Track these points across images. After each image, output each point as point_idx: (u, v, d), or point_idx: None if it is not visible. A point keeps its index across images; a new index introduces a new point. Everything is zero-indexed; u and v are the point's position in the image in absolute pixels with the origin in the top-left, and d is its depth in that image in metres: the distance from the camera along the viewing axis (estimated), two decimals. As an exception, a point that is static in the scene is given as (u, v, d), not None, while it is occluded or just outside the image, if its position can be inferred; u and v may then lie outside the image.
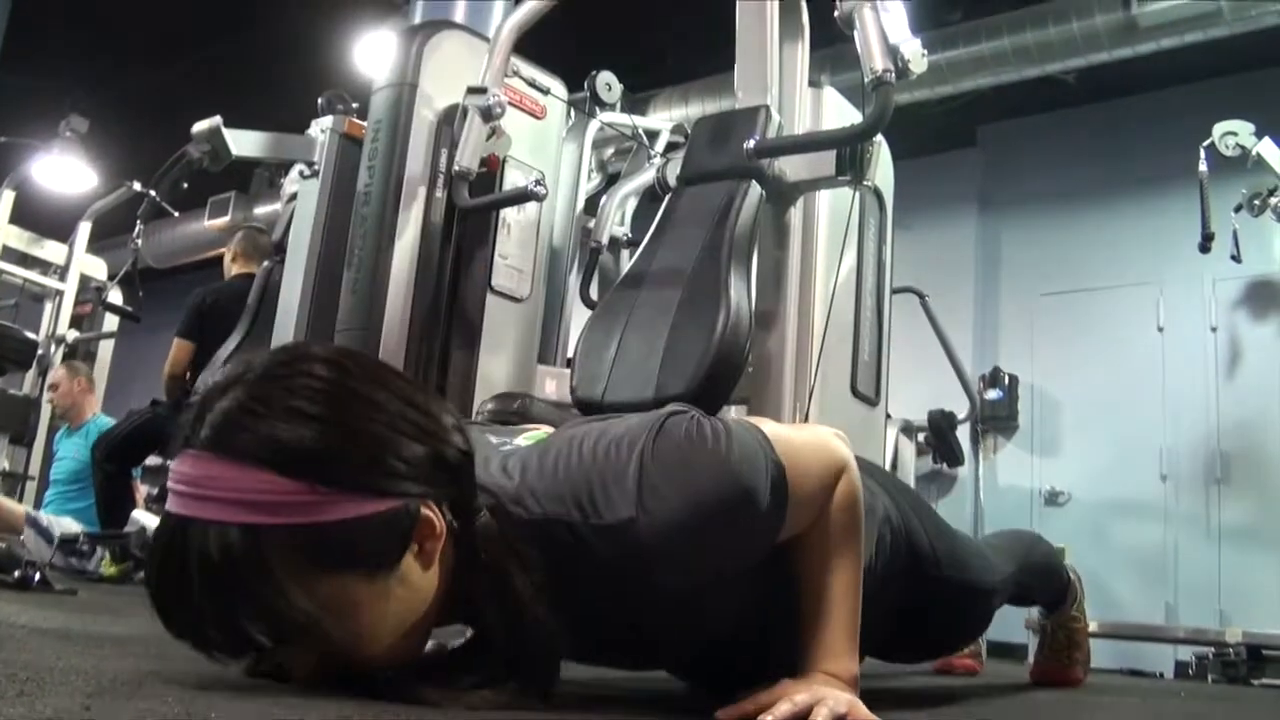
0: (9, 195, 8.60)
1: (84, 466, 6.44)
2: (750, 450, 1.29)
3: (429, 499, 1.20)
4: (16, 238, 8.66)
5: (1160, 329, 8.12)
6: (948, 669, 2.98)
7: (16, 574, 3.09)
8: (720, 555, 1.31)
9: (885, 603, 1.55)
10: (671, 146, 5.65)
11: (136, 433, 5.76)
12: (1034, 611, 2.89)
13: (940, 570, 1.88)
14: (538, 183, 4.00)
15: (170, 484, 1.14)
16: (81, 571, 5.34)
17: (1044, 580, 2.60)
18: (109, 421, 6.89)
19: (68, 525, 5.92)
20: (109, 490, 5.73)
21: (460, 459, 1.25)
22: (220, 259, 6.27)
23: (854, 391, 4.02)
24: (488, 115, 4.08)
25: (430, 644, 1.33)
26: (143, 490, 6.28)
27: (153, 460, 6.04)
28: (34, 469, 8.27)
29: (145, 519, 5.48)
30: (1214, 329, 7.91)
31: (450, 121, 4.33)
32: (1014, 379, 8.59)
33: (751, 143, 3.51)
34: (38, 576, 3.11)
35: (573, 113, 5.31)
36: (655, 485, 1.23)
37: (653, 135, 5.80)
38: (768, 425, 1.37)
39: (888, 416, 4.66)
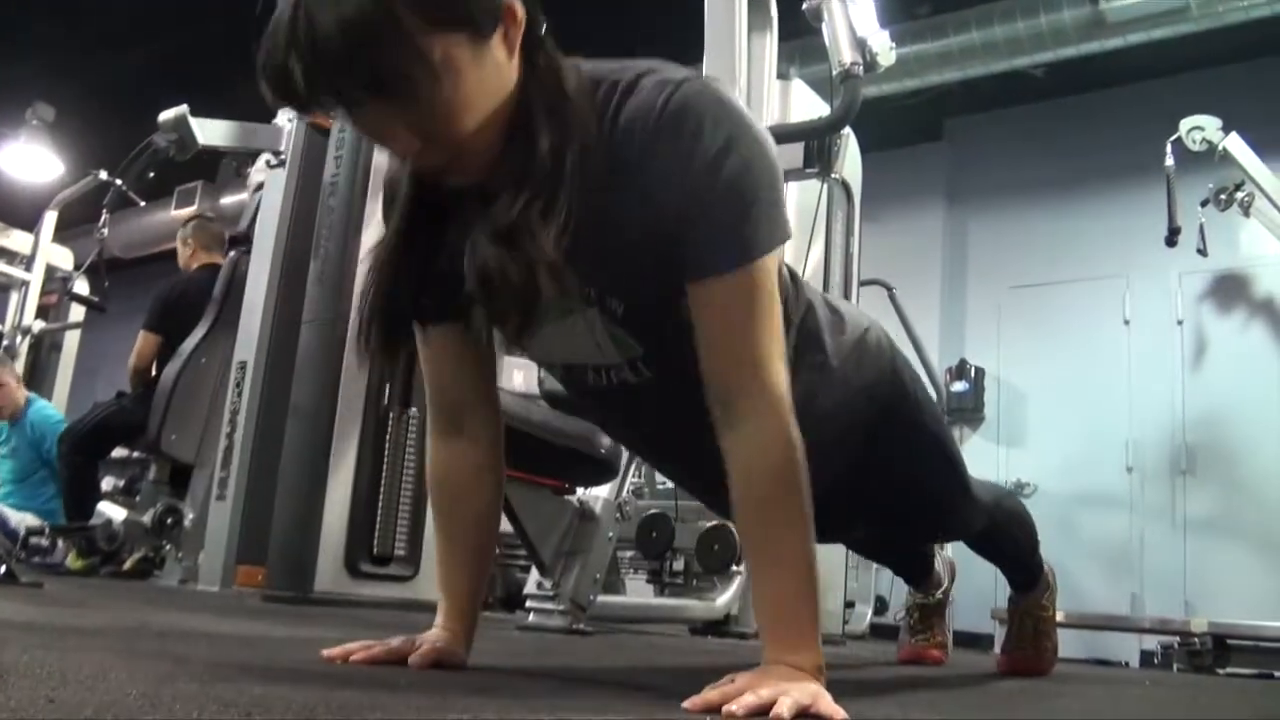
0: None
1: (36, 456, 6.41)
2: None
3: None
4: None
5: (1126, 322, 8.18)
6: (914, 659, 3.00)
7: (-18, 566, 3.09)
8: (732, 171, 1.36)
9: (860, 424, 1.55)
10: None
11: (103, 425, 5.73)
12: (1002, 601, 2.90)
13: (920, 415, 1.90)
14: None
15: None
16: (48, 565, 5.33)
17: (1016, 532, 2.57)
18: (45, 403, 6.86)
19: (28, 520, 5.90)
20: (75, 483, 5.70)
21: None
22: (186, 251, 6.23)
23: None
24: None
25: None
26: (108, 483, 6.24)
27: (119, 452, 6.00)
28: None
29: (111, 511, 5.48)
30: (1180, 322, 7.96)
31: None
32: (980, 371, 8.64)
33: (720, 135, 3.50)
34: (3, 570, 3.12)
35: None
36: (703, 87, 1.39)
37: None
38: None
39: (855, 408, 4.67)
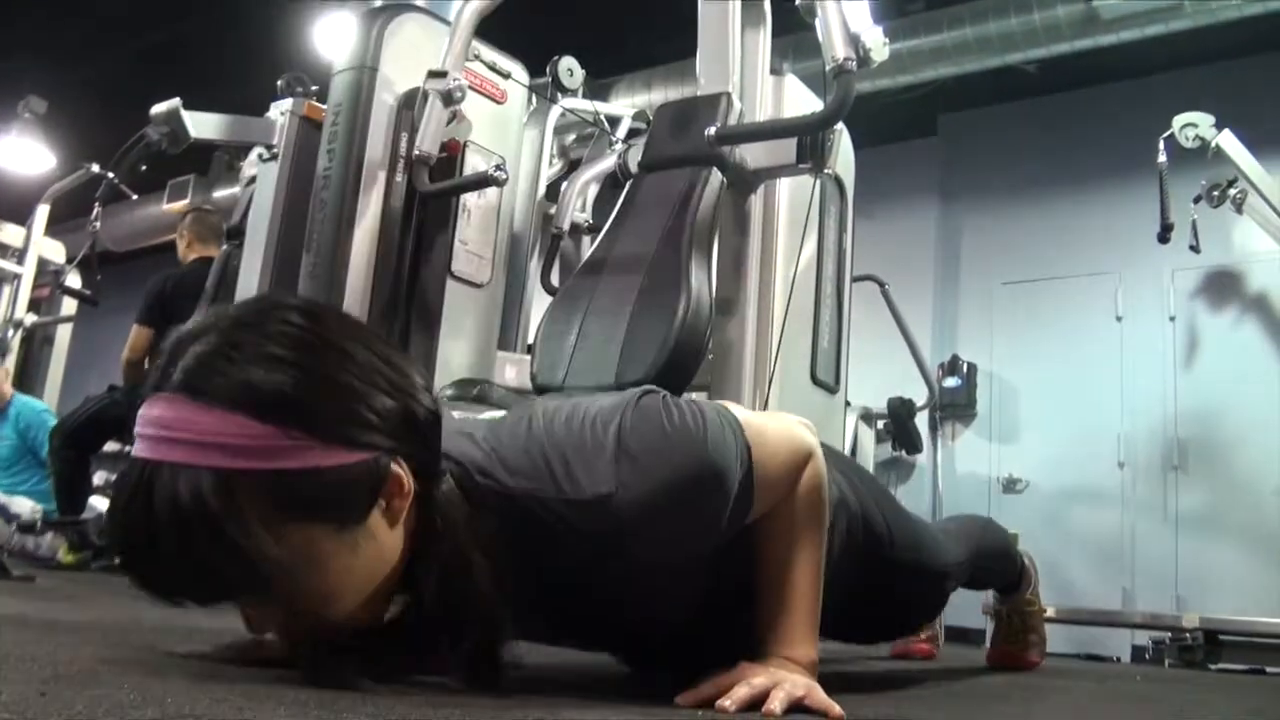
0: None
1: (20, 445, 6.42)
2: (722, 433, 1.31)
3: (398, 455, 1.20)
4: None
5: (1119, 318, 8.18)
6: (905, 654, 3.01)
7: (-28, 560, 3.09)
8: (691, 533, 1.32)
9: (841, 582, 1.56)
10: (633, 133, 5.64)
11: (95, 418, 5.71)
12: (990, 596, 2.91)
13: (895, 551, 1.90)
14: (498, 168, 3.98)
15: (139, 429, 1.12)
16: (38, 558, 5.31)
17: (997, 564, 2.62)
18: (29, 398, 6.86)
19: (21, 505, 5.89)
20: (67, 477, 5.69)
21: (429, 418, 1.25)
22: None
23: (814, 379, 4.03)
24: (448, 99, 4.05)
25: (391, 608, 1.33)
26: (100, 476, 6.23)
27: (111, 446, 5.99)
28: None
29: (103, 506, 5.45)
30: (1172, 319, 7.97)
31: (411, 105, 4.30)
32: (973, 367, 8.64)
33: (713, 130, 3.51)
34: None
35: (534, 98, 5.29)
36: (632, 461, 1.24)
37: (614, 121, 5.79)
38: (737, 409, 1.39)
39: (847, 404, 4.68)
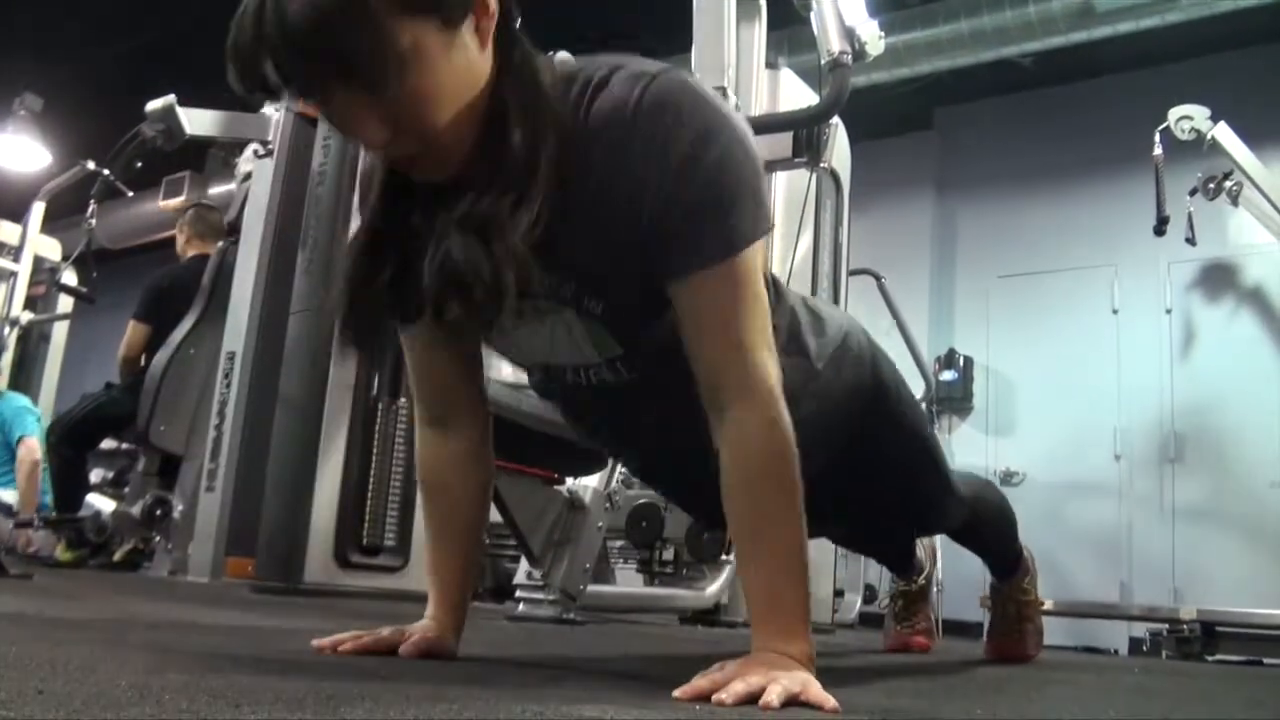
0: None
1: (4, 442, 6.44)
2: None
3: None
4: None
5: (1115, 311, 8.19)
6: (901, 647, 3.00)
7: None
8: (713, 162, 1.35)
9: (842, 425, 1.55)
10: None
11: (92, 416, 5.72)
12: (987, 588, 2.91)
13: (902, 414, 1.91)
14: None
15: None
16: (36, 556, 5.32)
17: (996, 522, 2.60)
18: (14, 394, 6.87)
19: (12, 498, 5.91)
20: (64, 474, 5.69)
21: None
22: (174, 240, 6.22)
23: None
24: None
25: None
26: (96, 474, 6.24)
27: (108, 444, 6.00)
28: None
29: (100, 503, 5.47)
30: (1168, 311, 7.98)
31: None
32: (969, 360, 8.65)
33: (709, 123, 3.50)
34: None
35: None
36: (678, 79, 1.37)
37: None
38: None
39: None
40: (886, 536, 2.68)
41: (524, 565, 3.43)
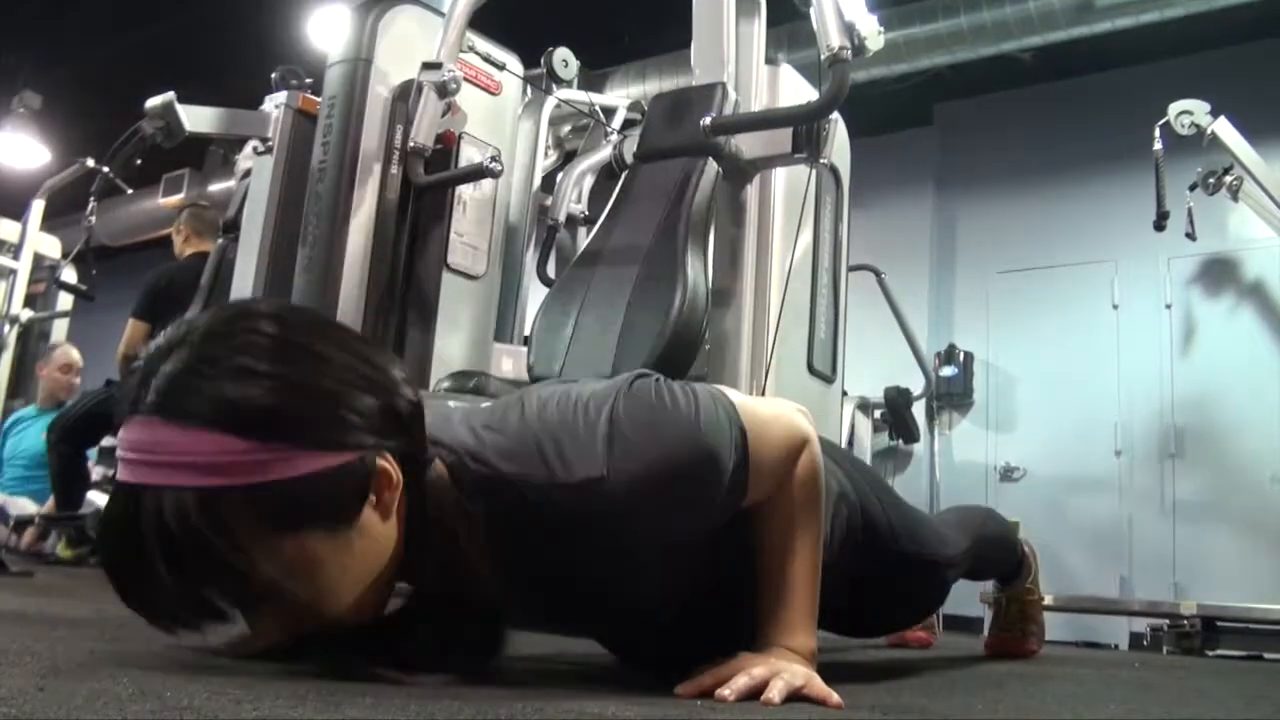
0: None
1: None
2: (716, 415, 1.30)
3: (384, 450, 1.20)
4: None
5: (1115, 306, 8.19)
6: (901, 643, 3.00)
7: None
8: (682, 517, 1.31)
9: (841, 575, 1.56)
10: (628, 124, 5.64)
11: (91, 413, 5.71)
12: (989, 585, 2.91)
13: (896, 544, 1.89)
14: (493, 159, 3.99)
15: (120, 452, 1.12)
16: (37, 554, 5.31)
17: (997, 554, 2.62)
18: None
19: (23, 506, 5.89)
20: (64, 472, 5.69)
21: (410, 410, 1.25)
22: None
23: (810, 369, 4.02)
24: (443, 91, 4.05)
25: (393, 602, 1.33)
26: (98, 471, 6.24)
27: (109, 441, 5.99)
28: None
29: (101, 500, 5.46)
30: (1168, 306, 7.97)
31: (405, 97, 4.30)
32: (969, 356, 8.64)
33: (708, 120, 3.50)
34: None
35: (529, 89, 5.29)
36: (624, 444, 1.23)
37: (609, 112, 5.79)
38: (733, 393, 1.38)
39: (844, 394, 4.68)
40: (892, 629, 2.74)
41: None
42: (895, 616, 2.29)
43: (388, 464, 1.20)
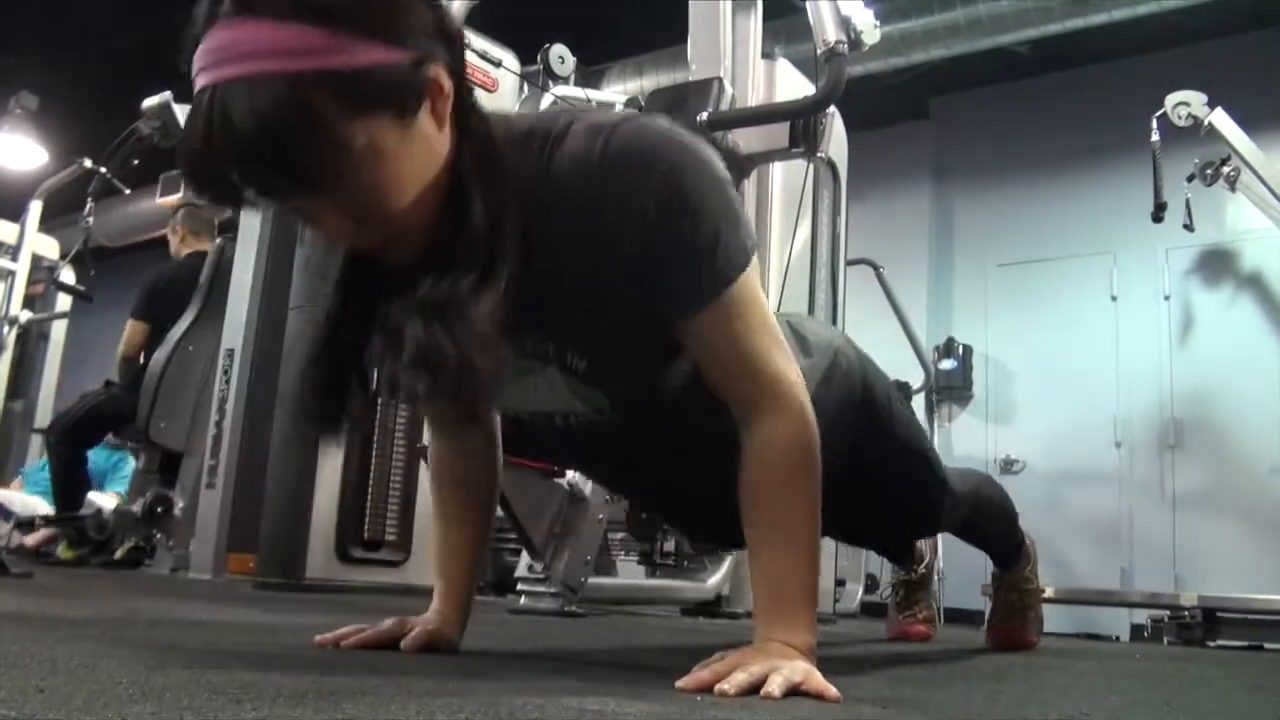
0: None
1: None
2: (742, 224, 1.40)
3: (436, 60, 1.28)
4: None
5: (1114, 298, 8.19)
6: (902, 635, 3.01)
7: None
8: (663, 225, 1.33)
9: (831, 445, 1.55)
10: (626, 119, 5.63)
11: (91, 414, 5.72)
12: (989, 575, 2.91)
13: (894, 427, 1.90)
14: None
15: (198, 63, 1.20)
16: (38, 554, 5.31)
17: (996, 516, 2.59)
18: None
19: (34, 505, 5.89)
20: (64, 473, 5.70)
21: (457, 32, 1.34)
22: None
23: None
24: (441, 90, 4.04)
25: None
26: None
27: (112, 440, 6.00)
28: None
29: (101, 501, 5.47)
30: (1167, 297, 7.98)
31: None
32: (968, 349, 8.65)
33: (704, 115, 3.50)
34: None
35: (525, 86, 5.28)
36: (639, 124, 1.36)
37: (606, 108, 5.78)
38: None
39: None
40: (884, 540, 2.69)
41: (525, 558, 3.43)
42: (882, 519, 2.25)
43: (441, 72, 1.29)
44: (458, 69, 1.32)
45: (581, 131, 1.35)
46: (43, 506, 6.09)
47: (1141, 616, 6.68)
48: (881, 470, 1.92)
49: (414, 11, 1.26)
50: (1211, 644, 5.33)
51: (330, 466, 4.22)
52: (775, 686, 1.22)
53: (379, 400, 1.54)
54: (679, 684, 1.26)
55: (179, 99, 5.14)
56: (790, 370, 1.43)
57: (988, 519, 2.55)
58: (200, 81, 1.18)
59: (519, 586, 3.43)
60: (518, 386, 1.52)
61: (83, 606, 2.27)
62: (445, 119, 1.31)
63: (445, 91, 1.29)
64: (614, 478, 2.05)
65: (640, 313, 1.40)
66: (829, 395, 1.67)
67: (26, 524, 5.62)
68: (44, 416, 7.96)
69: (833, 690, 1.25)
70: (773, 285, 3.89)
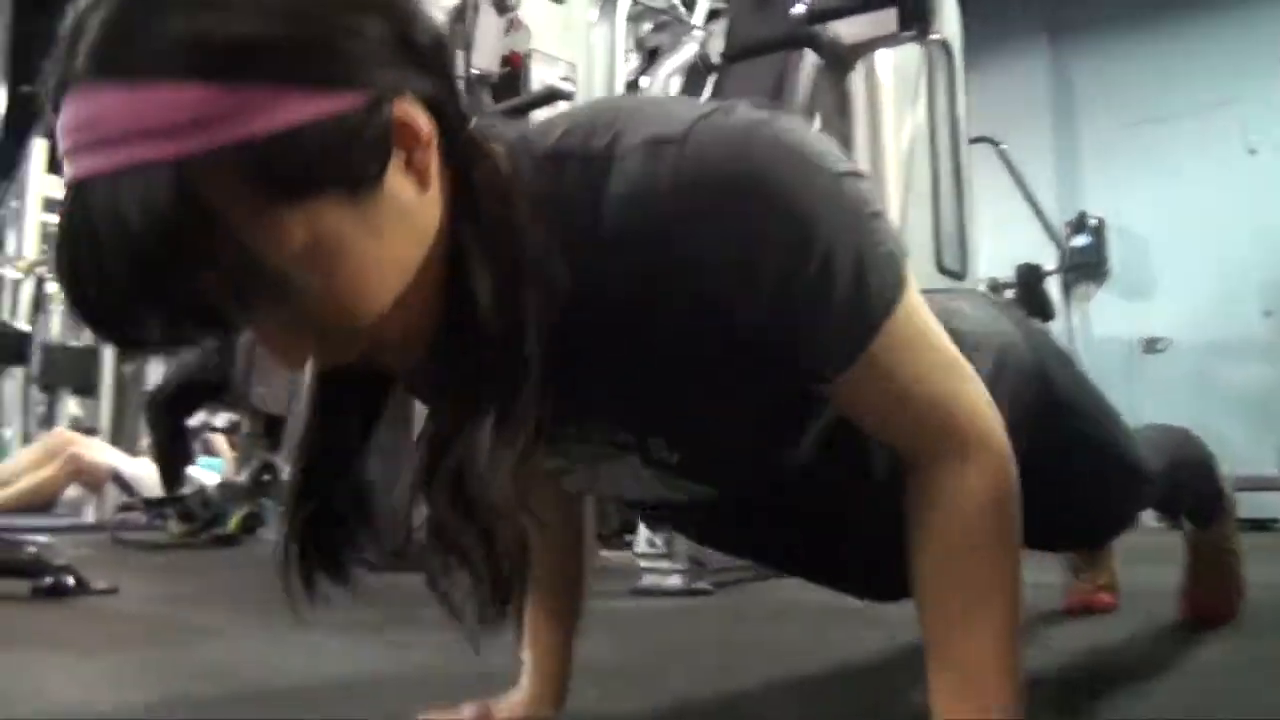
0: (42, 145, 8.48)
1: None
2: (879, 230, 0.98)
3: (404, 91, 0.87)
4: (57, 187, 8.56)
5: (1252, 152, 7.70)
6: (1083, 606, 2.62)
7: (49, 580, 2.96)
8: (805, 238, 0.92)
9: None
10: (713, 15, 5.29)
11: (188, 384, 5.79)
12: (1183, 534, 2.51)
13: (1082, 423, 1.55)
14: (565, 78, 3.70)
15: (61, 147, 0.79)
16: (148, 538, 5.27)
17: (1196, 478, 2.23)
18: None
19: (153, 487, 5.91)
20: (165, 447, 5.82)
21: (433, 41, 0.91)
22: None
23: (940, 268, 3.81)
24: (502, 7, 3.76)
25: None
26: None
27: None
28: (103, 421, 8.21)
29: (203, 476, 5.51)
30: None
31: (461, 19, 3.98)
32: (1101, 222, 8.26)
33: (803, 6, 3.18)
34: (72, 581, 2.98)
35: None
36: (714, 126, 0.93)
37: (690, 4, 5.45)
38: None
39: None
40: (1076, 549, 2.45)
41: (643, 532, 3.14)
42: (1075, 522, 1.90)
43: (412, 109, 0.88)
44: (443, 94, 0.92)
45: (638, 149, 0.93)
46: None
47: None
48: (1070, 477, 1.54)
49: (360, 29, 0.85)
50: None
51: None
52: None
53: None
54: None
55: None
56: (983, 402, 1.06)
57: (1187, 490, 2.18)
58: (65, 173, 0.80)
59: (640, 564, 3.14)
60: (587, 474, 1.19)
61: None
62: (430, 172, 0.91)
63: (424, 135, 0.90)
64: (737, 551, 1.69)
65: (754, 386, 1.03)
66: (1002, 400, 1.30)
67: (129, 507, 5.57)
68: (155, 378, 8.01)
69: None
70: (893, 186, 3.63)
